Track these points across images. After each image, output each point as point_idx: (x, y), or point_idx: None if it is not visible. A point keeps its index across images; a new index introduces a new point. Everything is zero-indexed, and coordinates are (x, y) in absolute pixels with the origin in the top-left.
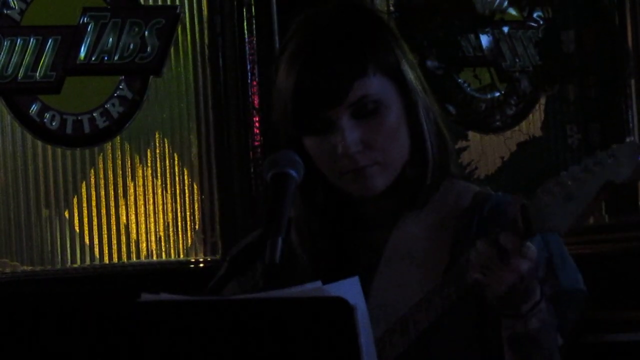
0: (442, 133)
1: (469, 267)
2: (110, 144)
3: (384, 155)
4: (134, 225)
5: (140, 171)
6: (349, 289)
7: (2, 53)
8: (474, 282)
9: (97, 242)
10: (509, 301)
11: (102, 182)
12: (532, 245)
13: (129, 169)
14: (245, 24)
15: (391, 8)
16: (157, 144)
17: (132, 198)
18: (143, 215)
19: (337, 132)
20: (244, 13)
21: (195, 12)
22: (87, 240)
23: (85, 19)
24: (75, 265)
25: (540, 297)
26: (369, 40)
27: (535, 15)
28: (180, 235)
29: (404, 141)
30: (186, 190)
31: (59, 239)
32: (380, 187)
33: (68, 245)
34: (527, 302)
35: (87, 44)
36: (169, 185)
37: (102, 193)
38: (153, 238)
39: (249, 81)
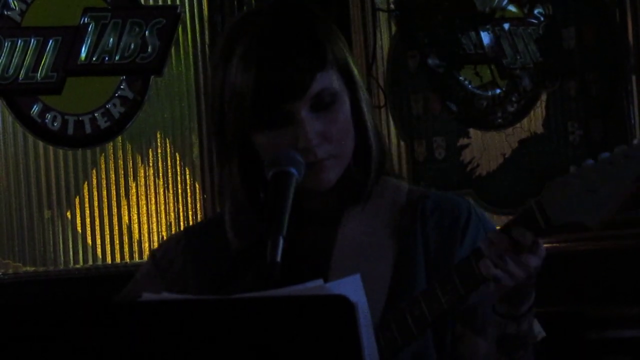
0: (378, 129)
1: (479, 261)
2: (111, 144)
3: (339, 148)
4: (136, 225)
5: (142, 171)
6: (350, 287)
7: (3, 54)
8: (492, 278)
9: (99, 243)
10: (511, 300)
11: (104, 182)
12: (542, 243)
13: (131, 169)
14: None
15: (392, 6)
16: (159, 144)
17: (134, 198)
18: (145, 215)
19: (297, 125)
20: None
21: (195, 11)
22: (89, 241)
23: (86, 19)
24: (77, 266)
25: (534, 301)
26: (324, 35)
27: (535, 12)
28: None
29: (352, 135)
30: (188, 190)
31: (61, 240)
32: (334, 181)
33: (70, 246)
34: (525, 304)
35: (87, 45)
36: (170, 185)
37: (104, 193)
38: (155, 238)
39: None
